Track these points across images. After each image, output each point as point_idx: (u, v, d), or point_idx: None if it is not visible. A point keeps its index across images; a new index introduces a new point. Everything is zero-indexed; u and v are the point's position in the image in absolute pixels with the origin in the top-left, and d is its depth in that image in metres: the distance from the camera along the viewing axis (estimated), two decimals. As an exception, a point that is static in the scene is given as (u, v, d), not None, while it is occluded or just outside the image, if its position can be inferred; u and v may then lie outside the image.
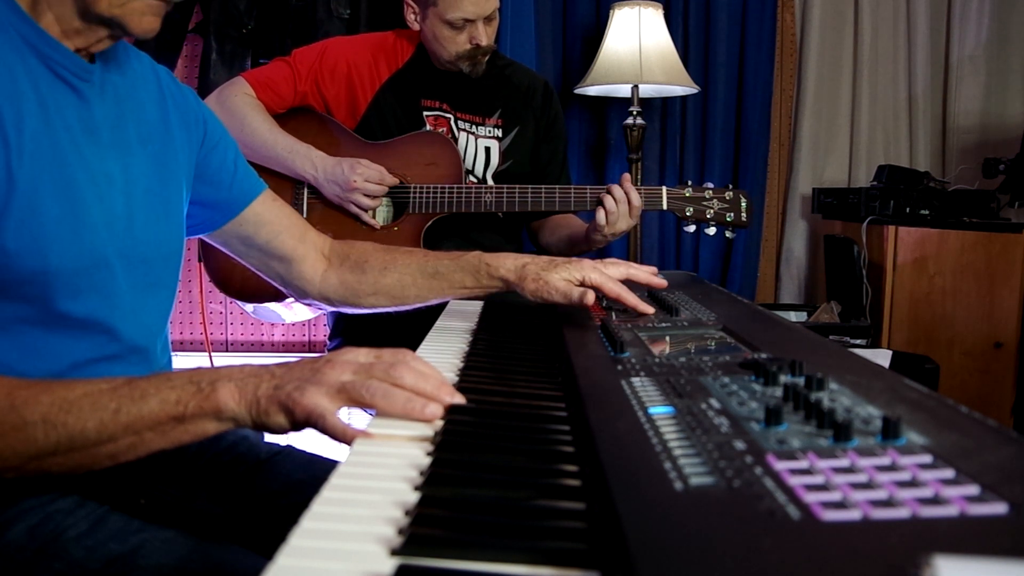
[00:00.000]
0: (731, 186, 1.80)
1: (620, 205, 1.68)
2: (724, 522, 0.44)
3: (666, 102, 2.80)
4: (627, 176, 1.74)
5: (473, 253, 1.16)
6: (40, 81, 0.85)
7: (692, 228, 1.81)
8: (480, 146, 1.87)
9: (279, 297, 1.75)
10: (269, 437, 1.11)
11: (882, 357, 1.93)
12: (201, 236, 1.16)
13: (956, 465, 0.50)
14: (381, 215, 1.81)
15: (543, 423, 0.71)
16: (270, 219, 1.17)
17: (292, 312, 1.95)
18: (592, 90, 2.60)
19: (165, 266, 1.01)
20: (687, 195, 1.76)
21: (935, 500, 0.46)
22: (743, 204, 1.76)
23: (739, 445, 0.56)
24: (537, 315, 1.29)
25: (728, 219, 1.76)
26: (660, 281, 1.16)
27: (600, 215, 1.69)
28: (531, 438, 0.68)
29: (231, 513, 0.98)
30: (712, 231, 1.78)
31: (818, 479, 0.49)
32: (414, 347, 0.91)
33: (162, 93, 1.04)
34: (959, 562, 0.37)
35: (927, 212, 2.49)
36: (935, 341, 2.43)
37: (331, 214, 1.78)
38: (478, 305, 1.40)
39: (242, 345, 2.78)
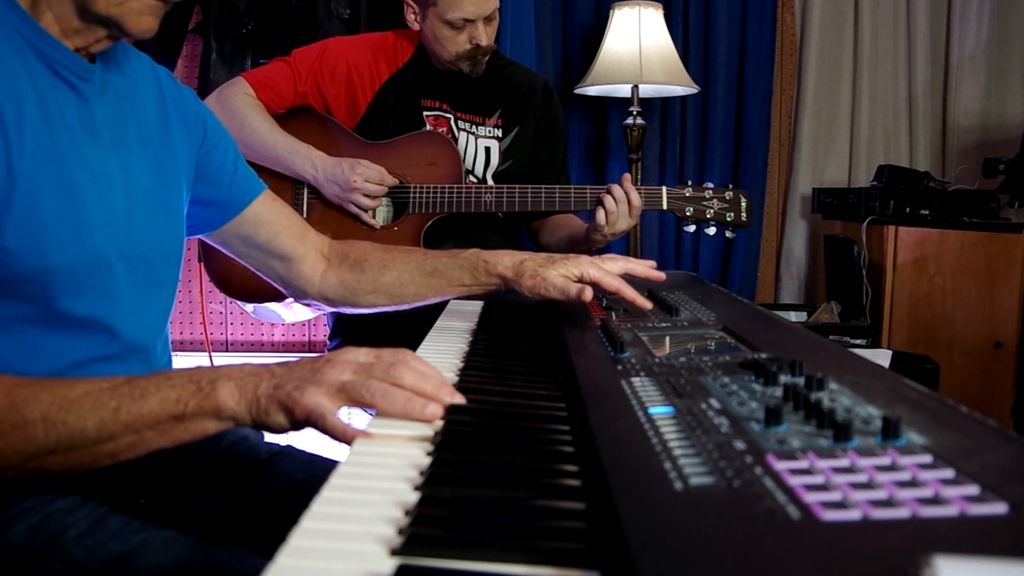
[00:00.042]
0: (731, 186, 1.80)
1: (620, 205, 1.68)
2: (724, 522, 0.44)
3: (666, 102, 2.80)
4: (627, 176, 1.73)
5: (471, 251, 1.16)
6: (41, 80, 0.85)
7: (692, 228, 1.81)
8: (480, 146, 1.87)
9: (279, 297, 1.75)
10: (269, 437, 1.11)
11: (882, 357, 1.93)
12: (201, 236, 1.16)
13: (956, 465, 0.50)
14: (381, 215, 1.81)
15: (543, 423, 0.71)
16: (270, 219, 1.17)
17: (292, 312, 1.95)
18: (592, 90, 2.60)
19: (165, 266, 1.01)
20: (687, 195, 1.76)
21: (935, 500, 0.46)
22: (743, 204, 1.76)
23: (739, 445, 0.56)
24: (537, 315, 1.29)
25: (728, 219, 1.76)
26: (659, 274, 1.15)
27: (600, 215, 1.69)
28: (531, 438, 0.68)
29: (231, 513, 0.98)
30: (712, 231, 1.78)
31: (818, 479, 0.49)
32: (414, 347, 0.91)
33: (162, 94, 1.04)
34: (959, 562, 0.37)
35: (927, 212, 2.49)
36: (935, 341, 2.43)
37: (331, 214, 1.78)
38: (478, 305, 1.40)
39: (242, 345, 2.78)
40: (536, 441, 0.67)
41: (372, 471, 0.61)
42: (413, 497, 0.56)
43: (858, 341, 2.27)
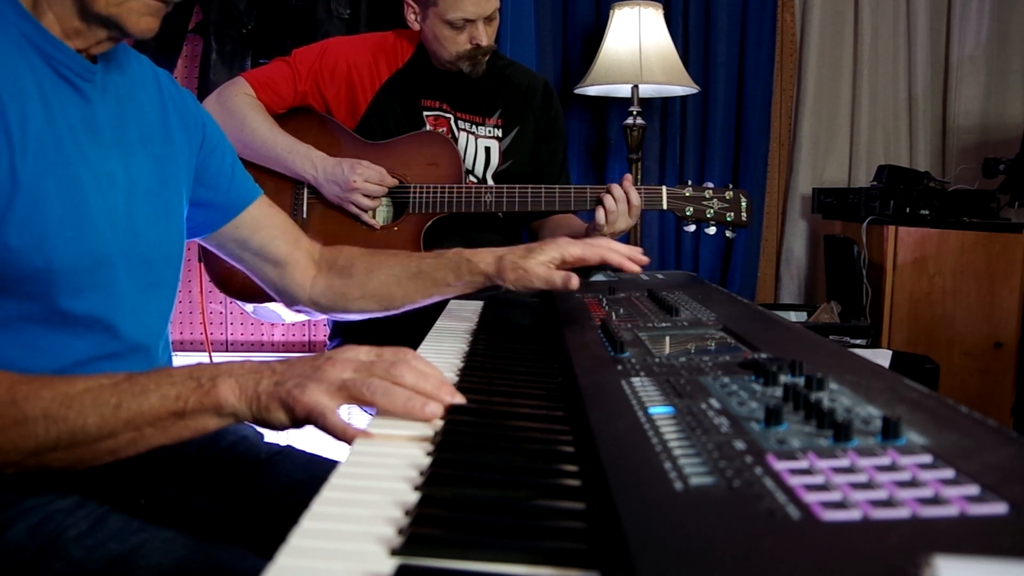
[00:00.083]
0: (731, 186, 1.80)
1: (620, 204, 1.68)
2: (724, 522, 0.44)
3: (666, 102, 2.80)
4: (628, 176, 1.74)
5: (454, 250, 1.16)
6: (43, 80, 0.86)
7: (692, 228, 1.81)
8: (480, 146, 1.87)
9: (279, 297, 1.75)
10: (269, 437, 1.12)
11: (882, 357, 1.93)
12: (197, 239, 1.16)
13: (956, 465, 0.50)
14: (381, 215, 1.81)
15: (543, 423, 0.71)
16: (265, 223, 1.17)
17: (292, 312, 1.95)
18: (592, 90, 2.60)
19: (166, 266, 1.01)
20: (687, 195, 1.76)
21: (935, 500, 0.46)
22: (743, 204, 1.76)
23: (739, 445, 0.56)
24: (537, 315, 1.29)
25: (728, 219, 1.76)
26: (633, 267, 1.10)
27: (600, 214, 1.69)
28: (531, 438, 0.68)
29: (231, 513, 0.98)
30: (712, 231, 1.78)
31: (818, 479, 0.49)
32: (414, 347, 0.91)
33: (162, 95, 1.04)
34: (959, 562, 0.37)
35: (927, 212, 2.49)
36: (935, 341, 2.43)
37: (331, 214, 1.78)
38: (478, 305, 1.40)
39: (242, 345, 2.78)
40: (536, 441, 0.67)
41: (372, 471, 0.61)
42: (413, 497, 0.56)
43: (858, 341, 2.27)
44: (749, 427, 0.59)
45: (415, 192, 1.77)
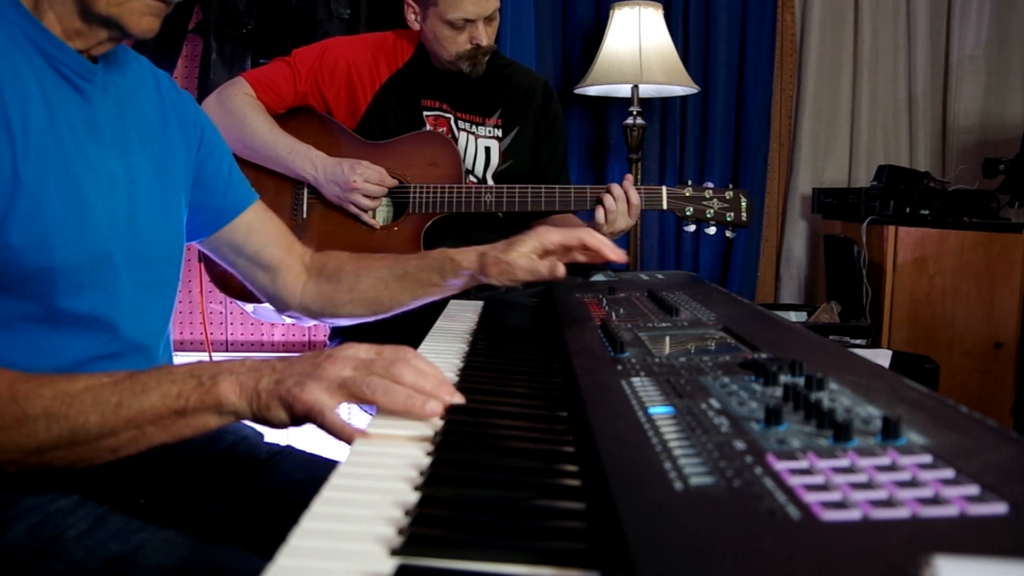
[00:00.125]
0: (731, 186, 1.80)
1: (619, 204, 1.68)
2: (724, 522, 0.44)
3: (666, 102, 2.80)
4: (629, 176, 1.74)
5: (439, 250, 1.15)
6: (45, 80, 0.86)
7: (692, 228, 1.81)
8: (480, 146, 1.87)
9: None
10: (269, 437, 1.12)
11: (882, 357, 1.93)
12: (193, 243, 1.16)
13: (956, 465, 0.50)
14: (381, 215, 1.81)
15: (543, 423, 0.71)
16: (260, 228, 1.17)
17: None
18: (592, 90, 2.60)
19: (167, 266, 1.01)
20: (687, 195, 1.76)
21: (935, 500, 0.46)
22: (743, 204, 1.76)
23: (739, 445, 0.55)
24: (537, 315, 1.29)
25: (728, 219, 1.76)
26: (620, 254, 1.07)
27: (599, 213, 1.69)
28: (531, 438, 0.68)
29: (231, 513, 0.98)
30: (712, 231, 1.78)
31: (818, 479, 0.49)
32: (414, 348, 0.91)
33: (161, 97, 1.04)
34: (959, 562, 0.37)
35: (927, 212, 2.49)
36: (935, 341, 2.43)
37: (331, 214, 1.78)
38: (478, 305, 1.40)
39: (242, 345, 2.78)
40: (536, 441, 0.67)
41: (372, 471, 0.61)
42: (413, 497, 0.56)
43: (858, 341, 2.26)
44: (749, 427, 0.59)
45: (415, 192, 1.77)
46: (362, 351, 0.75)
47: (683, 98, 2.78)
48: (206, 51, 2.50)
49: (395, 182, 1.76)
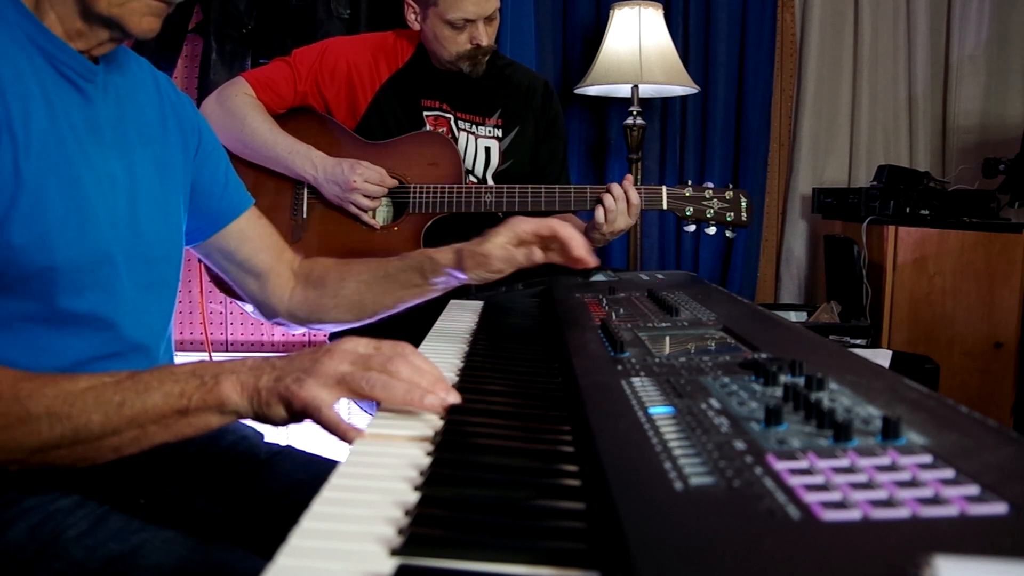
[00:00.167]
0: (731, 186, 1.80)
1: (619, 203, 1.68)
2: (724, 522, 0.44)
3: (666, 102, 2.80)
4: (629, 176, 1.74)
5: (419, 250, 1.15)
6: (46, 80, 0.86)
7: (692, 228, 1.81)
8: (480, 146, 1.87)
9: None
10: (269, 437, 1.12)
11: (882, 357, 1.93)
12: (187, 247, 1.16)
13: (956, 465, 0.50)
14: (381, 215, 1.81)
15: (543, 423, 0.71)
16: (252, 236, 1.17)
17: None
18: (592, 90, 2.60)
19: (167, 266, 1.02)
20: (687, 195, 1.76)
21: (935, 500, 0.46)
22: (743, 204, 1.76)
23: (739, 445, 0.55)
24: (537, 315, 1.29)
25: (728, 219, 1.76)
26: (589, 256, 1.04)
27: (599, 213, 1.69)
28: (531, 438, 0.68)
29: (231, 513, 0.98)
30: (712, 231, 1.78)
31: (818, 479, 0.49)
32: (415, 347, 0.91)
33: (161, 98, 1.04)
34: (959, 562, 0.37)
35: (927, 212, 2.49)
36: (935, 341, 2.43)
37: (331, 214, 1.78)
38: (478, 305, 1.40)
39: (242, 345, 2.78)
40: (536, 441, 0.67)
41: (372, 471, 0.61)
42: (413, 497, 0.56)
43: (858, 341, 2.26)
44: (749, 427, 0.59)
45: (415, 192, 1.77)
46: (360, 345, 0.75)
47: (683, 98, 2.78)
48: (206, 51, 2.50)
49: (395, 182, 1.76)
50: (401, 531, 0.50)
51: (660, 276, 1.47)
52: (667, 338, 0.95)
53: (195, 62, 2.61)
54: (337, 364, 0.72)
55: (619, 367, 0.79)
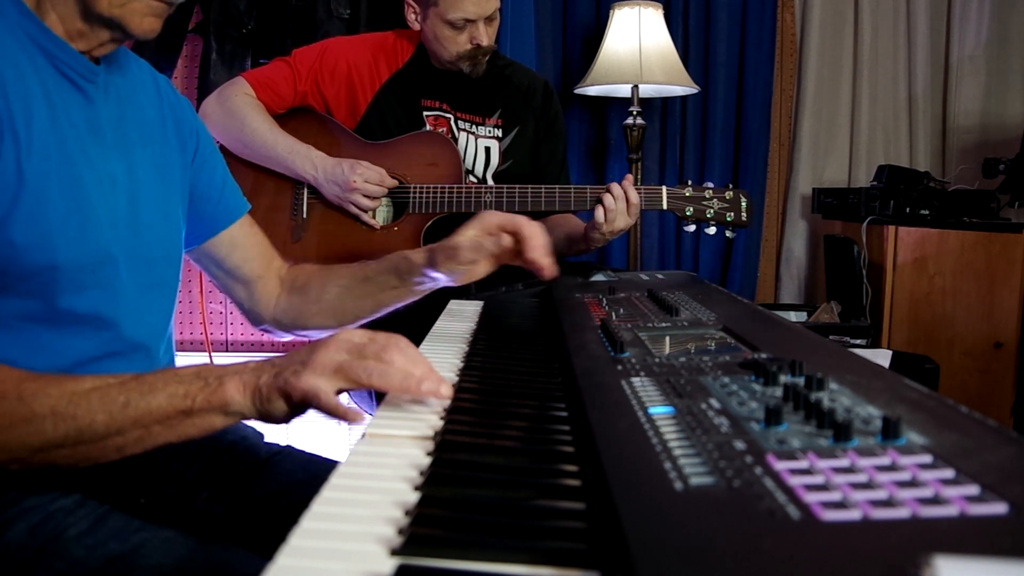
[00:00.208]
0: (731, 186, 1.80)
1: (619, 203, 1.68)
2: (724, 522, 0.44)
3: (666, 102, 2.80)
4: (630, 176, 1.74)
5: (397, 252, 1.14)
6: (48, 80, 0.86)
7: (692, 228, 1.81)
8: (480, 146, 1.88)
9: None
10: (269, 437, 1.12)
11: (882, 357, 1.93)
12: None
13: (956, 465, 0.50)
14: (381, 215, 1.81)
15: (543, 423, 0.71)
16: (243, 243, 1.17)
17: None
18: (592, 90, 2.60)
19: (168, 266, 1.02)
20: (687, 195, 1.76)
21: (935, 500, 0.46)
22: (743, 204, 1.77)
23: (739, 445, 0.55)
24: (537, 315, 1.29)
25: (728, 219, 1.76)
26: (548, 267, 1.04)
27: (599, 212, 1.69)
28: (531, 438, 0.68)
29: (231, 513, 0.98)
30: (712, 231, 1.78)
31: (818, 479, 0.49)
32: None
33: (160, 100, 1.05)
34: (959, 562, 0.37)
35: (927, 212, 2.49)
36: (935, 341, 2.43)
37: (331, 214, 1.78)
38: (478, 305, 1.40)
39: (242, 345, 2.78)
40: (536, 441, 0.67)
41: (372, 471, 0.61)
42: (413, 497, 0.56)
43: (858, 341, 2.26)
44: (749, 427, 0.59)
45: (415, 192, 1.77)
46: (356, 336, 0.76)
47: (683, 98, 2.78)
48: (206, 51, 2.50)
49: (395, 182, 1.76)
50: (401, 531, 0.50)
51: (660, 276, 1.47)
52: (667, 338, 0.95)
53: (195, 62, 2.61)
54: (333, 354, 0.73)
55: (619, 367, 0.79)
